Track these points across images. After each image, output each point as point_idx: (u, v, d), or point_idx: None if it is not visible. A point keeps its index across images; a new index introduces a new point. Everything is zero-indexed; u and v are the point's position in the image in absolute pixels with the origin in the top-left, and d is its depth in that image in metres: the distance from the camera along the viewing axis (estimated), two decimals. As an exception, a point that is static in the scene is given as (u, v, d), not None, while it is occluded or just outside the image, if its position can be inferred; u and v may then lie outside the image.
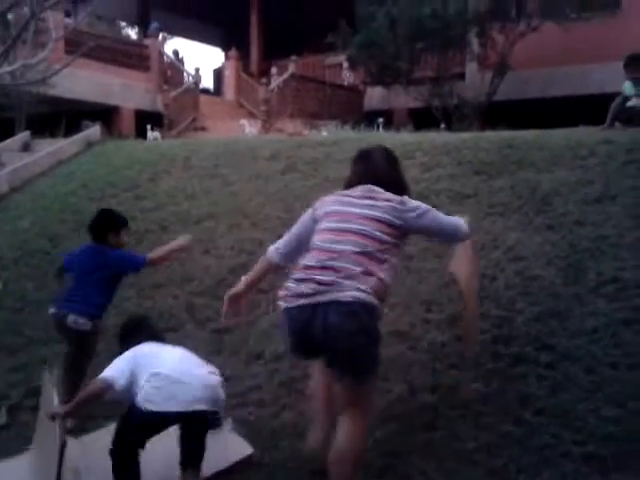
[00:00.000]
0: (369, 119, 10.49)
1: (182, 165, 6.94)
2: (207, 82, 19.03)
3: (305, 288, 2.49)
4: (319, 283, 2.47)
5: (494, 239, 3.96)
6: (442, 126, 9.67)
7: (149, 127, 11.21)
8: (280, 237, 2.83)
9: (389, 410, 3.21)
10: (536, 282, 3.57)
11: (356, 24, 11.00)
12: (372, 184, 2.71)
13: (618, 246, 3.61)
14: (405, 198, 2.68)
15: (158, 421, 2.77)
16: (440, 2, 10.25)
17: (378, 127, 9.62)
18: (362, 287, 2.44)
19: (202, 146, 7.52)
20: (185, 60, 16.80)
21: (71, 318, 3.61)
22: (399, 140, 6.21)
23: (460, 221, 2.78)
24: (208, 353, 3.44)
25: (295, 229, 2.86)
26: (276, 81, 13.04)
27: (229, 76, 15.03)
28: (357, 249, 2.51)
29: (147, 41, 14.51)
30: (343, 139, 6.77)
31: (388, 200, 2.63)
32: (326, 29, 11.12)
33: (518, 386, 3.07)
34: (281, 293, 2.61)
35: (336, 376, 2.58)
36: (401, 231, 2.63)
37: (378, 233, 2.56)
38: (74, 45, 10.94)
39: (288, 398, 3.48)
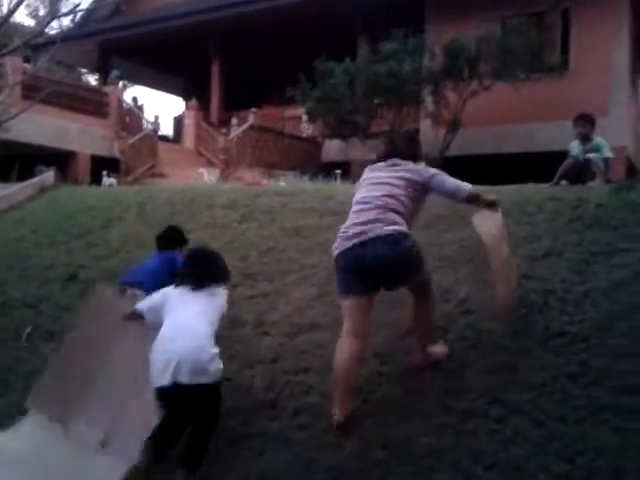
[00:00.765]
0: (327, 170, 10.62)
1: (137, 212, 6.84)
2: (167, 130, 19.12)
3: (354, 230, 3.26)
4: (364, 223, 3.25)
5: (445, 292, 4.00)
6: (398, 179, 9.84)
7: (105, 173, 11.10)
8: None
9: (341, 467, 3.15)
10: (486, 335, 3.61)
11: (315, 79, 11.26)
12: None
13: (565, 300, 3.69)
14: (422, 165, 3.57)
15: (163, 395, 3.31)
16: (396, 61, 10.61)
17: (336, 178, 9.74)
18: (397, 220, 3.24)
19: (158, 193, 7.44)
20: (145, 107, 16.87)
21: (129, 292, 4.05)
22: (355, 192, 6.27)
23: (462, 184, 3.51)
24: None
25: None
26: (236, 131, 13.16)
27: (189, 125, 15.10)
28: (390, 193, 3.32)
29: (107, 88, 14.51)
30: (301, 189, 6.83)
31: (407, 165, 3.49)
32: (286, 82, 11.36)
33: (469, 441, 3.06)
34: (335, 244, 3.34)
35: (406, 287, 3.40)
36: (420, 186, 3.44)
37: (404, 186, 3.37)
38: (32, 90, 10.86)
39: (235, 457, 3.38)
